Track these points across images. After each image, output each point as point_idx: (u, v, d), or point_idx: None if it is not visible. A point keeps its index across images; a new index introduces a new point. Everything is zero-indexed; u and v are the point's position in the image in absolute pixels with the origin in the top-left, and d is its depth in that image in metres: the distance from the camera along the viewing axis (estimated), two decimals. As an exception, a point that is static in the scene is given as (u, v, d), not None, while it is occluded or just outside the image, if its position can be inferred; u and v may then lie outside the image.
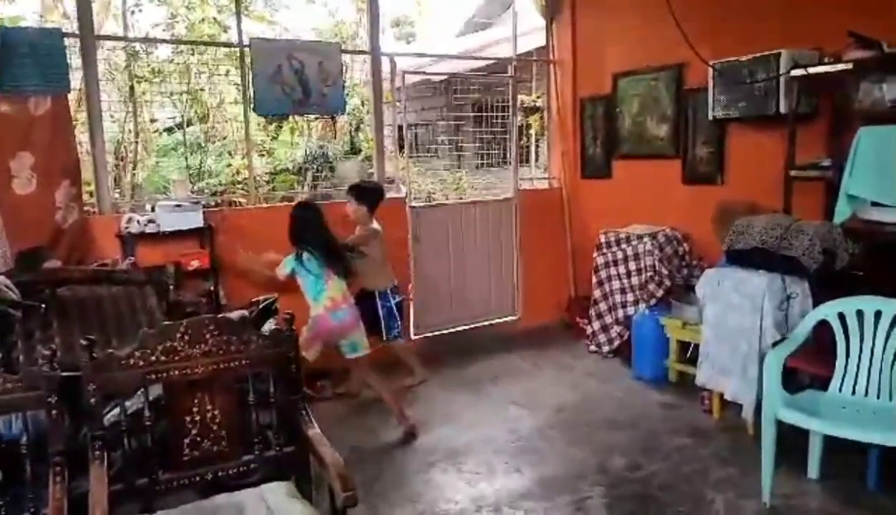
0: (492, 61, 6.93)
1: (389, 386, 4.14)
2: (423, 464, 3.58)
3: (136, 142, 6.12)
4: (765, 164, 4.21)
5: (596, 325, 5.27)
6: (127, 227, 4.13)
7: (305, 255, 3.67)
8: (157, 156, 6.57)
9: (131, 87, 5.95)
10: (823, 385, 3.17)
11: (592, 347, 5.30)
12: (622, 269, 5.02)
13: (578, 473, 3.40)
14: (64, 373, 2.07)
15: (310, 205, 4.01)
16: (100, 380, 2.05)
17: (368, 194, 4.33)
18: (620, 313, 5.05)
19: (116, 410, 2.16)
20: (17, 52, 3.87)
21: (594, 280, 5.24)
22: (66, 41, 4.13)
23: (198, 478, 2.22)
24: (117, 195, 5.35)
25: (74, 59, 4.34)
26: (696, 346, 4.12)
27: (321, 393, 4.51)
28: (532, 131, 7.10)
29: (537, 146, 7.11)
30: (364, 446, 3.78)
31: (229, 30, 6.39)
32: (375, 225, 4.34)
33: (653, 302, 4.71)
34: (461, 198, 6.33)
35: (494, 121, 6.11)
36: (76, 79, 4.34)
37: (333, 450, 2.17)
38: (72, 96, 4.43)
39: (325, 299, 3.70)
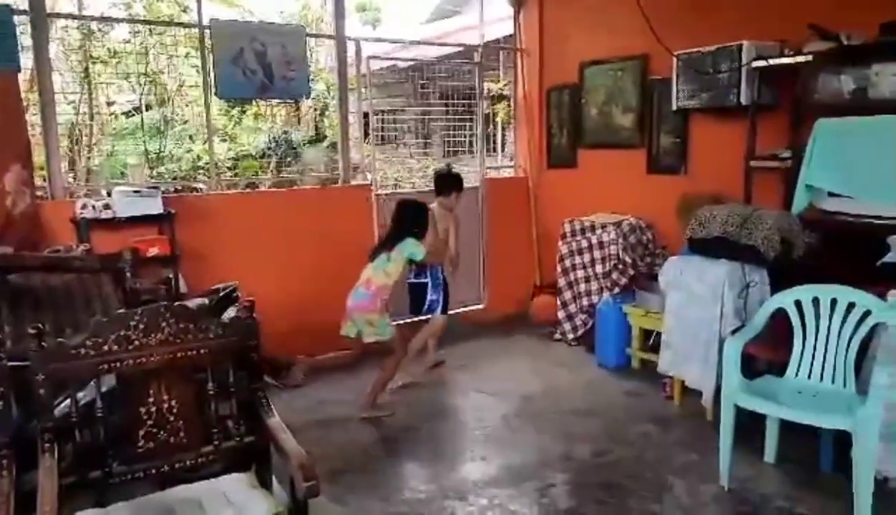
0: (458, 48, 6.89)
1: (389, 374, 4.09)
2: (389, 453, 3.57)
3: (92, 125, 5.93)
4: (727, 155, 4.27)
5: (561, 314, 5.30)
6: (81, 213, 4.00)
7: None
8: (114, 139, 6.38)
9: (86, 68, 5.75)
10: (780, 371, 3.24)
11: (557, 335, 5.33)
12: (586, 258, 5.05)
13: (543, 460, 3.42)
14: (11, 363, 1.99)
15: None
16: (49, 370, 1.97)
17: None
18: (585, 301, 5.09)
19: (68, 401, 2.09)
20: (-38, 29, 3.70)
21: (559, 268, 5.27)
22: (16, 18, 3.96)
23: (154, 470, 2.15)
24: (71, 179, 5.18)
25: (25, 39, 4.17)
26: (659, 334, 4.17)
27: (287, 382, 4.46)
28: (499, 119, 7.09)
29: (504, 134, 7.11)
30: (330, 435, 3.75)
31: (189, 11, 6.21)
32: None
33: (616, 290, 4.76)
34: (428, 186, 6.30)
35: (461, 108, 6.08)
36: (27, 58, 4.17)
37: (294, 440, 2.13)
38: (23, 77, 4.26)
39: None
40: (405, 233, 3.96)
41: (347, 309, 3.94)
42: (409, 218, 4.05)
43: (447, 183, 4.69)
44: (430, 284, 4.41)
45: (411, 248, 3.93)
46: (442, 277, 4.54)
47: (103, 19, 6.17)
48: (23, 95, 4.20)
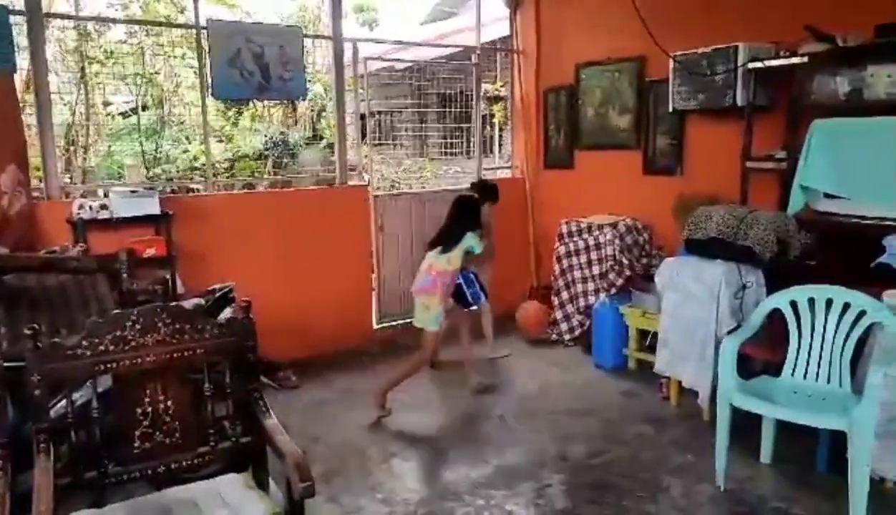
0: (456, 50, 6.90)
1: (409, 371, 4.12)
2: (386, 453, 3.56)
3: (88, 126, 5.92)
4: (723, 156, 4.28)
5: (557, 314, 5.30)
6: (78, 213, 3.99)
7: None
8: (110, 140, 6.37)
9: (82, 69, 5.74)
10: (776, 371, 3.25)
11: (554, 336, 5.34)
12: (583, 259, 5.06)
13: (539, 461, 3.43)
14: (7, 364, 1.98)
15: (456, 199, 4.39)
16: (45, 371, 1.96)
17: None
18: (581, 302, 5.10)
19: (64, 401, 2.08)
20: (-42, 29, 3.69)
21: (556, 269, 5.27)
22: (13, 18, 3.95)
23: (150, 471, 2.15)
24: (67, 180, 5.18)
25: (22, 39, 4.16)
26: (655, 334, 4.18)
27: (284, 383, 4.46)
28: (496, 120, 7.10)
29: (501, 136, 7.12)
30: (326, 436, 3.74)
31: (186, 11, 6.22)
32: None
33: (613, 291, 4.76)
34: (424, 187, 6.31)
35: (458, 110, 6.09)
36: (24, 59, 4.16)
37: (291, 440, 2.12)
38: (19, 77, 4.25)
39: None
40: (465, 229, 4.15)
41: (413, 293, 4.19)
42: (467, 213, 4.26)
43: (486, 194, 4.80)
44: (463, 282, 4.58)
45: (471, 241, 4.13)
46: (473, 273, 4.71)
47: (100, 20, 6.18)
48: (19, 96, 4.19)
